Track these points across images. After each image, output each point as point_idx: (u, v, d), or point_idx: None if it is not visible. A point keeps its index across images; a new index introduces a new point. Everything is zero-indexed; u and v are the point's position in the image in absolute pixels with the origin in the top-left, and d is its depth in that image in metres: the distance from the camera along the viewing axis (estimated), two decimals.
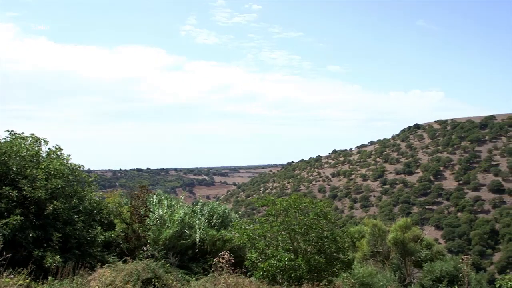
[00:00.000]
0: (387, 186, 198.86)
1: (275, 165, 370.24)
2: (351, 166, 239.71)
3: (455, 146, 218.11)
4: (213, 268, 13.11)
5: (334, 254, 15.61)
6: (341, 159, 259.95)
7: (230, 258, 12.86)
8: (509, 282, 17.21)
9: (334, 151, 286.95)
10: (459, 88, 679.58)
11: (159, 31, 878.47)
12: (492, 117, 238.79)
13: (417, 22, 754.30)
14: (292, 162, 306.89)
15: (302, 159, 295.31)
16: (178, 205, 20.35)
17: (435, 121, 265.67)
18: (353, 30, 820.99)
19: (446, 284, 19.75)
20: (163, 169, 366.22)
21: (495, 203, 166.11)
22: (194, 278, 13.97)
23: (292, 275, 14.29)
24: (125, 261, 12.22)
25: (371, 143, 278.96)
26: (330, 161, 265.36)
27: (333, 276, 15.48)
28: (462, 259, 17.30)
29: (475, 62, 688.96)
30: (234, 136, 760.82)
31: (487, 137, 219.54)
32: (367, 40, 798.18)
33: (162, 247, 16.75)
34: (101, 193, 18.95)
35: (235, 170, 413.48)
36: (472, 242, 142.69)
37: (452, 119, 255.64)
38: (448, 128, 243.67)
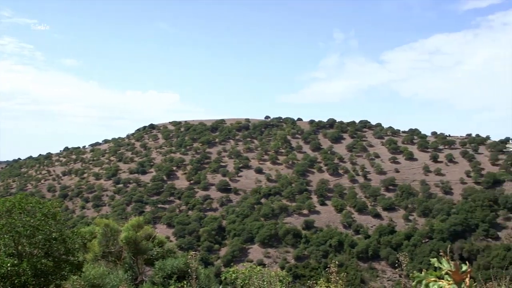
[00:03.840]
0: (120, 185, 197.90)
1: None
2: (84, 165, 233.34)
3: (188, 147, 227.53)
4: None
5: (63, 257, 14.79)
6: (74, 157, 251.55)
7: None
8: (233, 274, 18.44)
9: (66, 149, 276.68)
10: (193, 92, 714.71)
11: None
12: (222, 121, 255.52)
13: (158, 24, 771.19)
14: (19, 159, 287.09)
15: (31, 156, 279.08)
16: None
17: (169, 122, 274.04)
18: (91, 24, 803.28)
19: (175, 280, 20.20)
20: None
21: (222, 201, 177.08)
22: None
23: (16, 281, 13.11)
24: None
25: (106, 141, 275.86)
26: (61, 159, 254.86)
27: (62, 279, 14.66)
28: (191, 255, 17.94)
29: (209, 68, 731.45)
30: None
31: (217, 140, 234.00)
32: (105, 36, 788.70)
33: None
34: None
35: None
36: (202, 239, 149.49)
37: (185, 121, 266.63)
38: (182, 129, 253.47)
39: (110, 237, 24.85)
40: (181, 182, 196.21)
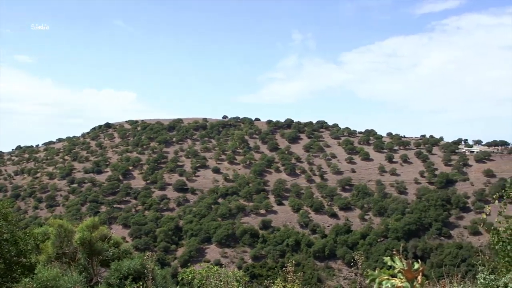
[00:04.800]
0: (75, 185, 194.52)
1: None
2: (37, 164, 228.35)
3: (144, 146, 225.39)
4: None
5: (15, 258, 14.42)
6: (26, 156, 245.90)
7: None
8: (189, 274, 18.36)
9: (19, 147, 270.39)
10: (150, 91, 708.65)
11: None
12: (180, 121, 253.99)
13: (115, 22, 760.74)
14: None
15: None
16: None
17: (126, 121, 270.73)
18: (45, 20, 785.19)
19: (131, 281, 19.99)
20: None
21: (179, 201, 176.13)
22: None
23: None
24: None
25: (60, 140, 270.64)
26: (13, 158, 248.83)
27: (13, 282, 14.30)
28: (147, 256, 17.78)
29: (166, 67, 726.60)
30: None
31: (174, 139, 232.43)
32: (60, 32, 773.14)
33: None
34: None
35: None
36: (158, 239, 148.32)
37: (142, 120, 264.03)
38: (138, 128, 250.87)
39: (64, 238, 24.35)
40: (138, 182, 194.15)
